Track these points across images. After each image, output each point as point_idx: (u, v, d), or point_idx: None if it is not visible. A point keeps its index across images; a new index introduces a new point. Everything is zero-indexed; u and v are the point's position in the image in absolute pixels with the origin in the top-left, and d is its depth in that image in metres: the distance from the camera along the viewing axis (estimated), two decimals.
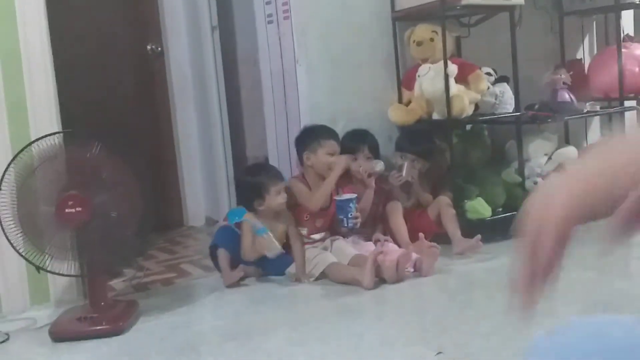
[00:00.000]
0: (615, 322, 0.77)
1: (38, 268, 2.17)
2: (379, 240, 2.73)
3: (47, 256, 2.17)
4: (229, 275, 2.54)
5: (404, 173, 2.84)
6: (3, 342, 2.16)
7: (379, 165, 2.78)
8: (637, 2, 3.36)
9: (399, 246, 2.68)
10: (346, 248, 2.63)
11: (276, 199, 2.59)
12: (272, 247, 2.52)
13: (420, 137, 2.98)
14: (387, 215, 2.84)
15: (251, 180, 2.64)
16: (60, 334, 2.15)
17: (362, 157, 2.82)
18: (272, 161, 3.15)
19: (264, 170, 2.73)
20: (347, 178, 2.81)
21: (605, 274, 2.46)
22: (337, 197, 2.68)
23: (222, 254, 2.61)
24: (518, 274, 0.67)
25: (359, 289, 2.41)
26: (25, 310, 2.44)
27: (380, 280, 2.45)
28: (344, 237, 2.74)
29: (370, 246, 2.66)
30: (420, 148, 2.93)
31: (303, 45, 2.98)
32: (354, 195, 2.67)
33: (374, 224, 2.87)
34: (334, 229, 2.76)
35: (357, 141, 2.87)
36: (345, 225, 2.66)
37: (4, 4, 2.40)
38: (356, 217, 2.65)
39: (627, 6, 3.43)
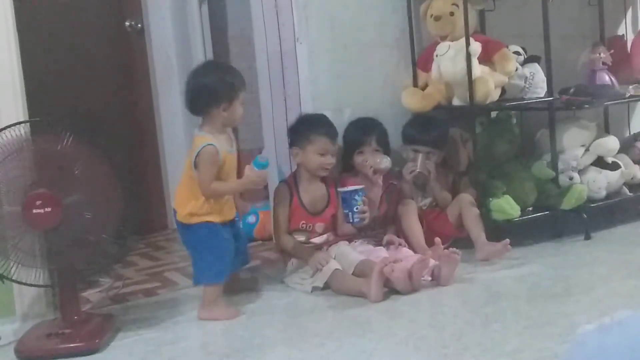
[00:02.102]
0: None
1: (2, 277, 2.17)
2: (392, 244, 2.73)
3: (12, 263, 2.17)
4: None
5: (418, 165, 2.84)
6: None
7: (385, 162, 2.76)
8: None
9: (414, 251, 2.69)
10: (350, 253, 2.62)
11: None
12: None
13: (430, 124, 2.96)
14: (399, 217, 2.84)
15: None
16: (27, 353, 2.16)
17: (368, 150, 2.80)
18: (269, 155, 3.15)
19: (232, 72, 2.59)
20: (351, 172, 2.81)
21: None
22: (341, 189, 2.67)
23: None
24: None
25: (368, 300, 2.42)
26: None
27: (391, 290, 2.46)
28: (349, 241, 2.73)
29: (381, 252, 2.66)
30: (432, 137, 2.91)
31: (304, 20, 2.98)
32: (360, 186, 2.65)
33: (385, 227, 2.87)
34: (336, 232, 2.76)
35: (364, 132, 2.85)
36: (351, 220, 2.64)
37: None
38: (363, 212, 2.64)
39: None
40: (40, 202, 2.09)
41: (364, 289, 2.41)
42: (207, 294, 2.41)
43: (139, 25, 3.78)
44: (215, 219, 2.42)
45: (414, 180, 2.90)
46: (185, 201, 2.43)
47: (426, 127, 2.94)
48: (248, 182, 2.46)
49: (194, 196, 2.40)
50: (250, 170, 2.43)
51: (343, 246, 2.67)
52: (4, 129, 2.16)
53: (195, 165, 2.39)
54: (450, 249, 2.56)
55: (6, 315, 2.47)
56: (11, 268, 2.17)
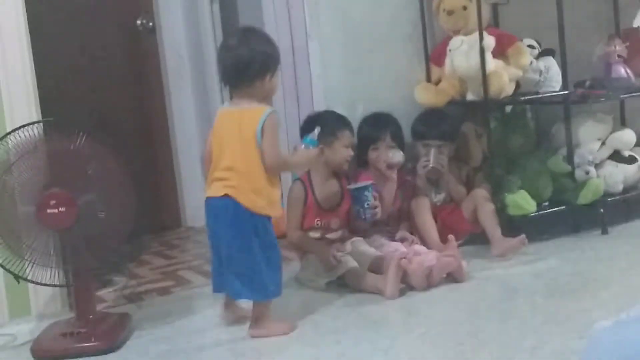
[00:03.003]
0: None
1: (17, 277, 2.19)
2: (405, 240, 2.73)
3: (27, 263, 2.18)
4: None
5: (431, 160, 2.83)
6: None
7: (397, 156, 2.76)
8: None
9: (428, 248, 2.68)
10: (366, 249, 2.62)
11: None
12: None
13: (437, 117, 2.96)
14: (413, 213, 2.83)
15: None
16: (43, 352, 2.16)
17: (383, 146, 2.80)
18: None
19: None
20: (365, 167, 2.81)
21: None
22: (350, 186, 2.67)
23: None
24: None
25: (383, 297, 2.42)
26: (4, 324, 2.46)
27: (407, 286, 2.45)
28: (363, 236, 2.73)
29: (396, 246, 2.66)
30: (441, 130, 2.92)
31: (316, 16, 2.97)
32: (369, 182, 2.65)
33: (399, 223, 2.86)
34: (351, 228, 2.76)
35: (378, 127, 2.86)
36: (363, 216, 2.63)
37: None
38: (375, 207, 2.63)
39: None
40: (54, 202, 2.10)
41: (380, 285, 2.41)
42: (264, 310, 2.19)
43: (151, 23, 3.78)
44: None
45: (427, 175, 2.89)
46: (260, 186, 2.16)
47: (434, 121, 2.95)
48: (309, 157, 2.35)
49: (270, 181, 2.18)
50: (301, 149, 2.34)
51: (358, 242, 2.66)
52: (18, 129, 2.17)
53: (262, 135, 2.15)
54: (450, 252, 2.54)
55: (22, 314, 2.49)
56: (26, 268, 2.18)
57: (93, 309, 2.28)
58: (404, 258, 2.43)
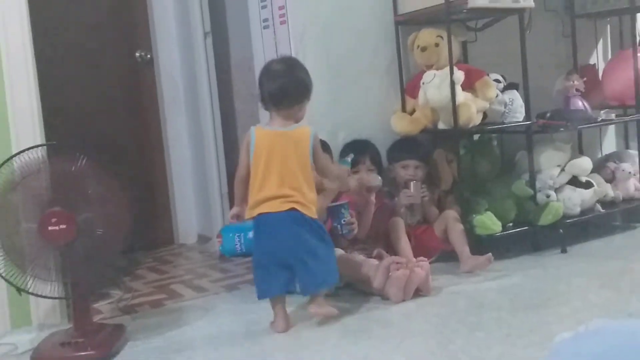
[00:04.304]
0: None
1: (19, 290, 2.16)
2: (381, 257, 2.72)
3: (29, 277, 2.15)
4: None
5: (414, 195, 2.86)
6: None
7: (376, 181, 2.77)
8: None
9: None
10: (354, 255, 2.64)
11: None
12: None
13: (413, 142, 3.00)
14: (389, 232, 2.83)
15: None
16: None
17: (363, 169, 2.83)
18: None
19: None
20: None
21: (623, 293, 2.45)
22: (329, 204, 2.67)
23: None
24: None
25: (362, 309, 2.40)
26: (6, 334, 2.42)
27: (384, 299, 2.44)
28: (344, 251, 2.72)
29: (374, 262, 2.65)
30: (417, 152, 2.96)
31: (301, 51, 2.98)
32: (345, 201, 2.67)
33: (376, 242, 2.86)
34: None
35: (358, 152, 2.87)
36: (340, 232, 2.65)
37: None
38: (351, 223, 2.65)
39: None
40: (55, 219, 2.08)
41: (371, 273, 2.45)
42: (322, 295, 2.34)
43: (149, 55, 3.78)
44: None
45: (407, 204, 2.91)
46: (312, 197, 2.29)
47: (410, 145, 2.99)
48: (338, 175, 2.53)
49: (314, 190, 2.32)
50: (338, 167, 2.55)
51: (341, 251, 2.65)
52: (23, 151, 2.16)
53: (313, 153, 2.30)
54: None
55: (23, 325, 2.46)
56: (28, 281, 2.16)
57: (90, 320, 2.26)
58: (394, 263, 2.47)
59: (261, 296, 2.30)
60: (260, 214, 2.25)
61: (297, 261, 2.25)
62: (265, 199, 2.24)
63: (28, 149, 2.16)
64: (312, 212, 2.27)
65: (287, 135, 2.28)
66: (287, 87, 2.28)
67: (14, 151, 2.26)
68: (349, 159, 2.67)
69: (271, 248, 2.27)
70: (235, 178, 2.39)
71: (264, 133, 2.30)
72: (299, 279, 2.31)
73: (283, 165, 2.25)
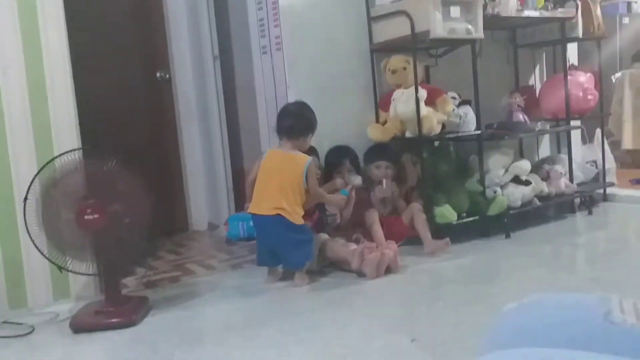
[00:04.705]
0: (576, 298, 0.77)
1: (60, 268, 2.14)
2: (359, 240, 2.73)
3: (68, 258, 2.14)
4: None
5: (386, 190, 2.85)
6: (29, 333, 2.13)
7: (357, 180, 2.79)
8: (580, 37, 3.40)
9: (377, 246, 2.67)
10: (335, 242, 2.63)
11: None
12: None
13: (384, 147, 3.00)
14: (365, 221, 2.83)
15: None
16: (79, 326, 2.12)
17: (344, 170, 2.83)
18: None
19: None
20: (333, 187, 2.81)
21: (554, 271, 2.47)
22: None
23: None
24: None
25: (343, 284, 2.40)
26: (49, 305, 2.41)
27: (361, 276, 2.45)
28: (329, 236, 2.72)
29: (353, 245, 2.65)
30: (388, 154, 2.96)
31: (293, 73, 2.98)
32: None
33: (354, 228, 2.86)
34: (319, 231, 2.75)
35: (340, 155, 2.89)
36: (326, 221, 2.70)
37: (31, 39, 2.38)
38: (334, 214, 2.70)
39: (572, 40, 3.47)
40: (90, 210, 2.07)
41: (349, 257, 2.47)
42: (305, 270, 2.44)
43: (167, 75, 3.76)
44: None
45: (381, 197, 2.91)
46: (298, 208, 2.41)
47: (383, 150, 2.98)
48: (337, 200, 2.61)
49: (300, 203, 2.42)
50: (337, 194, 2.62)
51: (326, 236, 2.64)
52: (63, 154, 2.14)
53: (307, 176, 2.41)
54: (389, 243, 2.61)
55: (63, 297, 2.45)
56: (67, 261, 2.14)
57: (119, 293, 2.25)
58: (367, 248, 2.48)
59: (259, 265, 2.55)
60: (255, 214, 2.44)
61: (281, 250, 2.44)
62: (261, 202, 2.42)
63: (67, 152, 2.15)
64: (295, 218, 2.39)
65: (289, 158, 2.44)
66: (295, 124, 2.48)
67: (56, 154, 2.24)
68: (347, 190, 2.67)
69: (263, 241, 2.49)
70: (246, 180, 2.61)
71: (273, 153, 2.50)
72: (282, 261, 2.50)
73: (280, 180, 2.41)
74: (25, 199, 2.08)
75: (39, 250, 2.12)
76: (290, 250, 2.43)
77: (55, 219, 2.11)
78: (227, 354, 1.83)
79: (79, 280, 2.43)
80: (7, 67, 2.35)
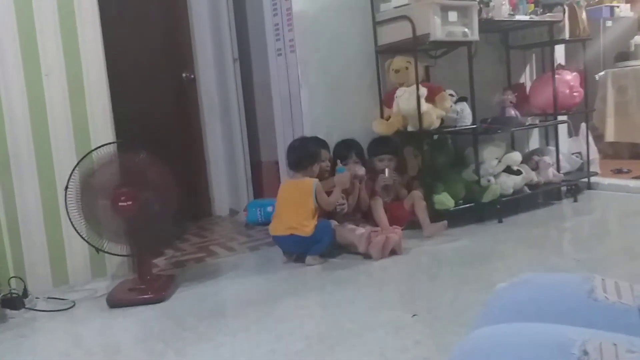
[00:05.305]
0: (563, 278, 0.77)
1: (97, 249, 2.16)
2: (365, 225, 2.72)
3: (104, 240, 2.16)
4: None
5: (388, 178, 2.84)
6: (70, 308, 2.16)
7: (362, 171, 2.77)
8: (567, 39, 3.36)
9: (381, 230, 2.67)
10: (343, 227, 2.63)
11: (320, 165, 2.70)
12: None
13: (386, 140, 2.97)
14: (371, 207, 2.83)
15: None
16: (115, 302, 2.15)
17: (350, 161, 2.82)
18: (280, 163, 3.14)
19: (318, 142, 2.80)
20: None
21: (543, 252, 2.46)
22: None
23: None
24: None
25: (351, 265, 2.41)
26: (88, 282, 2.44)
27: (367, 258, 2.45)
28: (338, 222, 2.72)
29: (360, 229, 2.65)
30: (389, 148, 2.93)
31: (305, 73, 2.97)
32: None
33: (362, 214, 2.86)
34: (329, 217, 2.75)
35: (347, 148, 2.87)
36: (335, 210, 2.66)
37: (70, 44, 2.39)
38: (342, 203, 2.67)
39: (559, 41, 3.43)
40: (124, 197, 2.09)
41: (356, 241, 2.47)
42: (316, 254, 2.48)
43: (192, 76, 3.77)
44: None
45: (384, 185, 2.91)
46: (307, 222, 2.47)
47: (384, 143, 2.95)
48: (339, 182, 2.60)
49: (313, 217, 2.49)
50: (337, 175, 2.61)
51: (335, 222, 2.65)
52: (100, 147, 2.16)
53: (316, 196, 2.50)
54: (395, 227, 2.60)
55: (100, 275, 2.48)
56: (104, 243, 2.16)
57: (150, 271, 2.26)
58: (373, 232, 2.49)
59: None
60: (274, 235, 2.54)
61: (300, 251, 2.52)
62: (277, 225, 2.52)
63: (103, 145, 2.16)
64: (306, 232, 2.45)
65: (298, 185, 2.55)
66: (300, 158, 2.59)
67: (93, 147, 2.26)
68: (342, 168, 2.68)
69: (284, 249, 2.58)
70: None
71: (287, 183, 2.62)
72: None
73: (291, 205, 2.51)
74: (67, 187, 2.10)
75: (79, 234, 2.14)
76: (307, 250, 2.50)
77: (93, 206, 2.13)
78: (246, 327, 1.84)
79: (114, 260, 2.46)
80: (50, 70, 2.37)
